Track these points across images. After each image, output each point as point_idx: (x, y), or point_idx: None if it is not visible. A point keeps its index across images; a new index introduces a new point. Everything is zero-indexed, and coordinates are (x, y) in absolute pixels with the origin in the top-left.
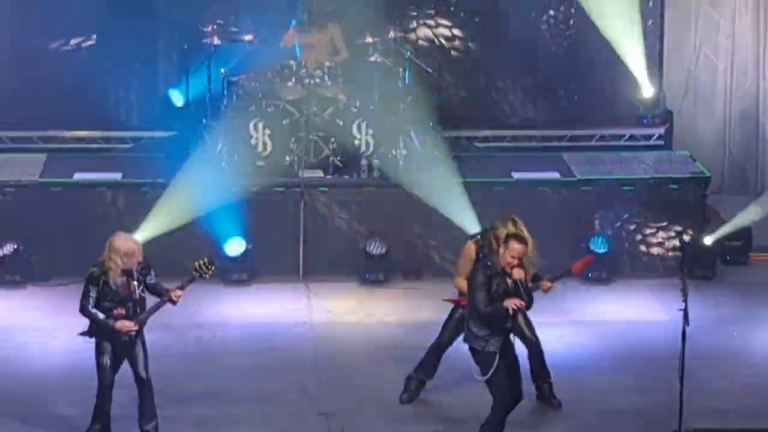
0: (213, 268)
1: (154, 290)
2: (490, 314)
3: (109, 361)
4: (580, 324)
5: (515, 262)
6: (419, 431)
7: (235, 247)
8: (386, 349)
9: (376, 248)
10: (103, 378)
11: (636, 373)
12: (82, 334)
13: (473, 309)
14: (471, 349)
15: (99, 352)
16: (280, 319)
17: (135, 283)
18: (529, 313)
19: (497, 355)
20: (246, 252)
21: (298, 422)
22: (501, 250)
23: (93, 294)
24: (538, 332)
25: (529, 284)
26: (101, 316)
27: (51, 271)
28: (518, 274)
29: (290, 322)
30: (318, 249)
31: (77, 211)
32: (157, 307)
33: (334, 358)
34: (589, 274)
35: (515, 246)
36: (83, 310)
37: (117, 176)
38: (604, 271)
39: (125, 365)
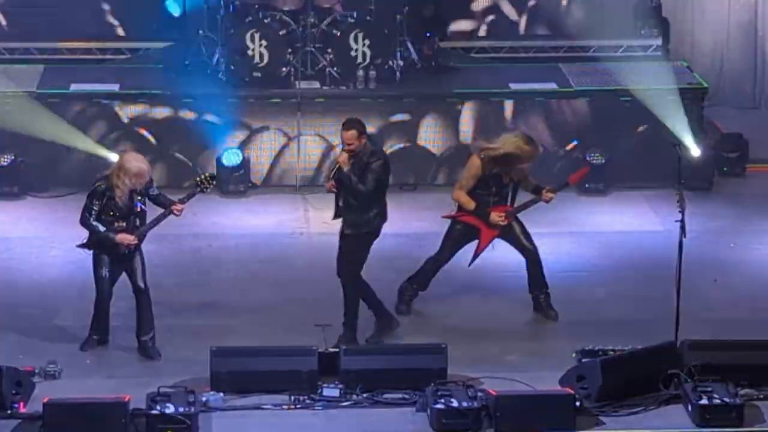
0: (214, 182)
1: (157, 202)
2: None
3: (107, 273)
4: (576, 235)
5: (346, 147)
6: (417, 342)
7: (231, 158)
8: (383, 260)
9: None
10: (102, 290)
11: (632, 284)
12: (81, 246)
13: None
14: None
15: (97, 264)
16: (277, 230)
17: (138, 197)
18: (526, 225)
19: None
20: (243, 163)
21: (294, 333)
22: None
23: (96, 208)
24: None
25: (531, 195)
26: (102, 228)
27: (48, 182)
28: (342, 159)
29: (287, 233)
30: (315, 160)
31: (74, 123)
32: (157, 221)
33: (330, 269)
34: (586, 185)
35: (342, 134)
36: (84, 222)
37: (114, 87)
38: (601, 183)
39: (123, 277)
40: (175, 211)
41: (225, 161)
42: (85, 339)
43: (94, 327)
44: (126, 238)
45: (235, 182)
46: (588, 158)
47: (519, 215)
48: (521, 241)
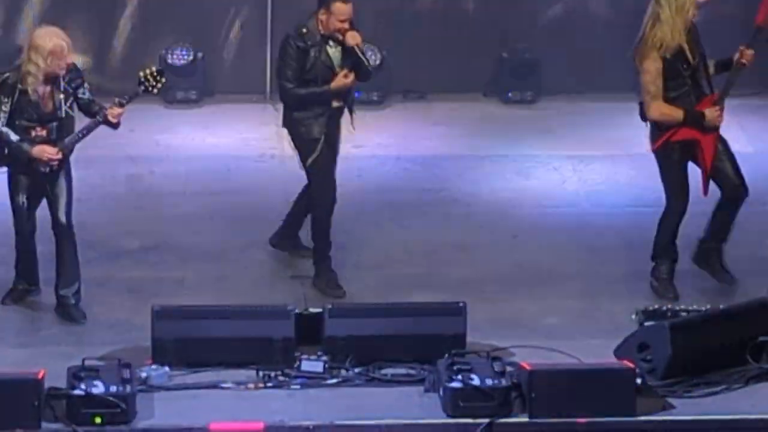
0: (162, 80)
1: (88, 109)
2: (303, 97)
3: (25, 201)
4: (639, 158)
5: (345, 26)
6: (427, 301)
7: (180, 55)
8: (380, 192)
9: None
10: (21, 220)
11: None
12: None
13: (281, 89)
14: (290, 134)
15: (13, 188)
16: (241, 152)
17: (62, 96)
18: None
19: (320, 142)
20: (196, 61)
21: (265, 288)
22: (323, 17)
23: (4, 108)
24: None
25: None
26: (14, 137)
27: None
28: (353, 39)
29: (253, 155)
30: None
31: None
32: (87, 130)
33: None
34: None
35: (340, 7)
36: None
37: None
38: None
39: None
40: (110, 117)
41: (170, 59)
42: (8, 289)
43: (20, 272)
44: (45, 151)
45: (184, 88)
46: None
47: None
48: (729, 171)
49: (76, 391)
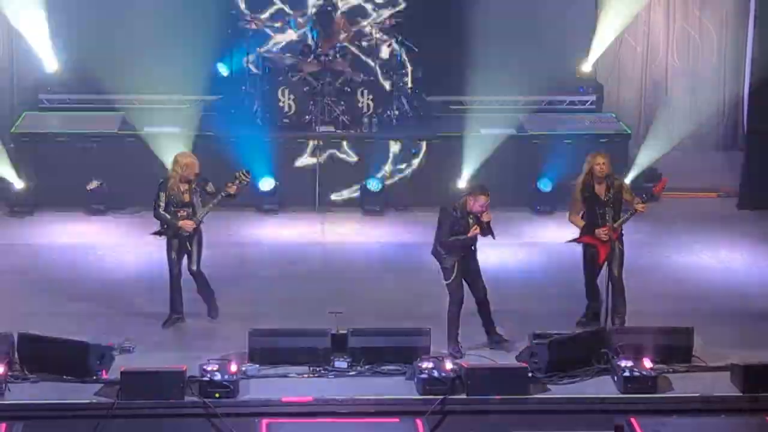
0: (249, 175)
1: (214, 197)
2: (451, 243)
3: (176, 255)
4: (530, 245)
5: (483, 209)
6: (407, 325)
7: (267, 184)
8: (382, 263)
9: (374, 186)
10: (173, 268)
11: (571, 283)
12: (155, 233)
13: (438, 239)
14: (439, 263)
15: (169, 248)
16: (300, 240)
17: (192, 190)
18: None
19: (456, 269)
20: (275, 188)
21: (314, 318)
22: (470, 200)
23: (162, 200)
24: (496, 253)
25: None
26: (169, 216)
27: (126, 202)
28: (487, 217)
29: (307, 243)
30: (330, 187)
31: (146, 156)
32: (209, 209)
33: (341, 270)
34: (537, 207)
35: (482, 198)
36: (155, 212)
37: (176, 129)
38: (548, 205)
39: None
40: (229, 191)
41: (261, 187)
42: (166, 318)
43: (172, 307)
44: (187, 223)
45: (269, 203)
46: (540, 186)
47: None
48: (613, 267)
49: (205, 378)
